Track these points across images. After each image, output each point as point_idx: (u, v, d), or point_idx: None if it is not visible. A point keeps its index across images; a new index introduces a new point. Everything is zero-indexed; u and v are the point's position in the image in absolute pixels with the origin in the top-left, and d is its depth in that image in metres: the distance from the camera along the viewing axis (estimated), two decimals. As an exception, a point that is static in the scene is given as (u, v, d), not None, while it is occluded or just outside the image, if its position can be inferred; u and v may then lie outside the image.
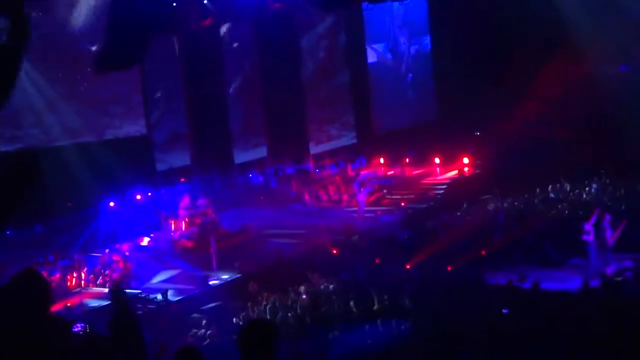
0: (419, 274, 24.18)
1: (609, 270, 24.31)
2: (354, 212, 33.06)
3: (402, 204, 33.57)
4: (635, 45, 38.43)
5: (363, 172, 37.67)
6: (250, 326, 7.69)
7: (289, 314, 21.24)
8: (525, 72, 37.85)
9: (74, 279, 26.41)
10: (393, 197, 34.85)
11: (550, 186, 32.29)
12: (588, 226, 24.97)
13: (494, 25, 38.28)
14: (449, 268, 25.18)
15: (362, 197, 33.43)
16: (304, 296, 22.83)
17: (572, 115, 35.97)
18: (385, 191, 35.37)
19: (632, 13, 37.81)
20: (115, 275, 26.19)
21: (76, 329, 16.30)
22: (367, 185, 34.58)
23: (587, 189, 31.60)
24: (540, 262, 26.07)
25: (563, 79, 37.87)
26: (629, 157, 32.52)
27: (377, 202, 33.84)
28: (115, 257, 27.51)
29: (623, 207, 28.93)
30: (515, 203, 31.58)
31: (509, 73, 37.65)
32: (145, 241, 30.34)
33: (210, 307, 23.73)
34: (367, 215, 32.43)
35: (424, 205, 33.68)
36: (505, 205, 31.49)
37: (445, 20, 41.20)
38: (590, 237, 24.90)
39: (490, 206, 31.61)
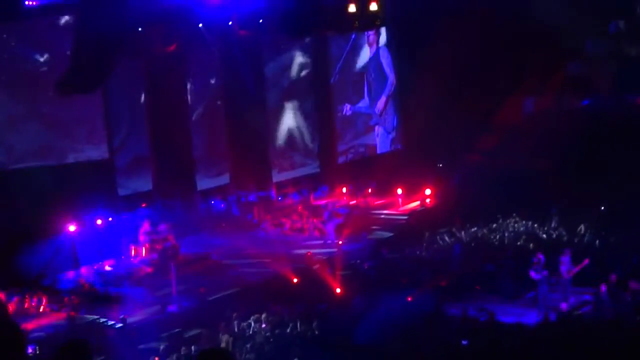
0: (378, 304, 24.18)
1: (568, 304, 24.53)
2: (323, 241, 33.00)
3: (364, 233, 33.56)
4: (595, 79, 38.91)
5: (331, 201, 37.65)
6: (205, 355, 7.62)
7: (248, 345, 21.18)
8: (488, 104, 38.12)
9: (32, 303, 26.12)
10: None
11: (510, 218, 32.49)
12: (540, 259, 25.30)
13: (456, 59, 38.50)
14: (409, 298, 25.22)
15: (331, 227, 33.39)
16: (264, 325, 22.77)
17: (534, 148, 36.23)
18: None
19: (590, 49, 38.29)
20: (75, 300, 25.93)
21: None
22: (338, 217, 34.55)
23: (547, 222, 31.83)
24: (499, 295, 26.19)
25: (524, 112, 38.25)
26: (590, 190, 32.80)
27: (340, 231, 33.80)
28: (75, 282, 27.25)
29: (585, 240, 29.25)
30: (476, 235, 31.73)
31: (472, 105, 37.90)
32: (105, 266, 30.09)
33: (169, 335, 23.59)
34: (336, 244, 32.37)
35: (386, 236, 33.68)
36: (465, 236, 31.64)
37: (408, 53, 41.39)
38: (540, 271, 25.18)
39: (451, 238, 31.74)
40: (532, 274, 25.17)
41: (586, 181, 33.19)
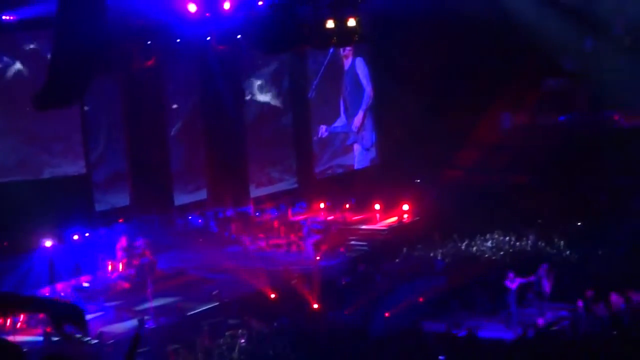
0: (356, 320, 24.20)
1: (544, 319, 24.61)
2: (301, 257, 32.95)
3: (342, 249, 33.56)
4: (572, 96, 39.15)
5: (310, 217, 37.61)
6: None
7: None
8: (466, 120, 38.25)
9: (8, 320, 25.93)
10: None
11: (488, 234, 32.57)
12: (512, 275, 25.44)
13: (434, 75, 38.66)
14: (387, 314, 25.23)
15: (309, 242, 33.35)
16: (242, 340, 22.72)
17: (511, 163, 36.39)
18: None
19: (566, 65, 38.51)
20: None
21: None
22: (316, 232, 34.53)
23: (525, 237, 31.93)
24: (477, 310, 26.23)
25: (502, 127, 38.44)
26: (567, 205, 32.97)
27: (318, 247, 33.75)
28: (52, 298, 27.09)
29: (563, 255, 29.37)
30: (454, 250, 31.79)
31: (450, 121, 38.04)
32: (82, 282, 29.95)
33: (146, 351, 23.48)
34: (314, 260, 32.34)
35: (363, 252, 33.68)
36: (443, 252, 31.68)
37: (385, 67, 41.50)
38: (512, 286, 25.31)
39: (429, 253, 31.77)
40: (509, 282, 25.35)
41: (563, 196, 33.34)
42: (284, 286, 28.61)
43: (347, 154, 43.69)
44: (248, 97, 39.79)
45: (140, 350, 23.17)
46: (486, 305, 26.67)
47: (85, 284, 29.78)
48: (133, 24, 30.30)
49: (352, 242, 34.68)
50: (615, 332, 21.89)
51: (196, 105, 38.16)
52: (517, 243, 31.82)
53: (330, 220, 37.75)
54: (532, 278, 25.73)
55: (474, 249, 31.84)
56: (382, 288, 27.97)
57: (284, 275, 29.65)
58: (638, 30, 32.63)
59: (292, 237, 34.65)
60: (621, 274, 25.89)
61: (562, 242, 31.01)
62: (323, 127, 42.34)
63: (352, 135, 43.47)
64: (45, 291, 27.89)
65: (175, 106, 37.26)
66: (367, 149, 43.75)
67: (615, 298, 24.11)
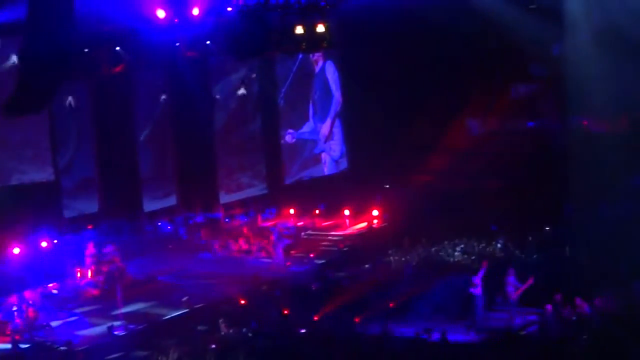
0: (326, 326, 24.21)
1: (513, 324, 24.72)
2: (270, 262, 32.93)
3: (311, 255, 33.59)
4: (541, 102, 39.32)
5: (280, 223, 37.58)
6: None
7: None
8: (435, 125, 38.37)
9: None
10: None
11: (457, 239, 32.67)
12: (476, 279, 25.55)
13: (403, 80, 38.76)
14: (357, 320, 25.27)
15: (279, 248, 33.31)
16: (213, 346, 22.70)
17: (481, 168, 36.53)
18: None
19: (534, 71, 38.71)
20: (20, 324, 25.62)
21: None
22: (286, 238, 34.51)
23: (494, 242, 32.07)
24: (445, 315, 26.30)
25: (472, 132, 38.59)
26: (536, 210, 33.14)
27: (287, 252, 33.73)
28: (20, 305, 26.91)
29: (532, 260, 29.51)
30: (424, 255, 31.86)
31: (419, 126, 38.15)
32: (51, 289, 29.77)
33: (116, 357, 23.41)
34: (284, 265, 32.33)
35: (333, 257, 33.70)
36: (413, 257, 31.75)
37: (355, 73, 41.57)
38: (477, 290, 25.43)
39: (399, 258, 31.82)
40: (473, 286, 25.48)
41: (532, 201, 33.52)
42: (254, 292, 28.60)
43: (317, 164, 43.72)
44: (217, 103, 39.76)
45: (112, 357, 23.20)
46: (454, 310, 26.74)
47: (54, 291, 29.61)
48: (101, 30, 30.19)
49: (322, 248, 34.69)
50: (585, 337, 22.02)
51: (165, 111, 38.09)
52: (487, 248, 31.95)
53: (300, 225, 37.78)
54: (508, 281, 25.81)
55: (443, 253, 31.93)
56: (352, 293, 27.99)
57: (254, 281, 29.63)
58: (606, 35, 32.83)
59: (262, 243, 34.62)
60: (589, 279, 26.04)
61: (531, 247, 31.18)
62: (291, 132, 42.36)
63: (320, 144, 43.53)
64: (13, 299, 27.69)
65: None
66: (337, 161, 43.80)
67: (579, 302, 24.26)
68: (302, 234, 36.41)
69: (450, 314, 26.55)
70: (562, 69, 34.73)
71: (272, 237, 34.17)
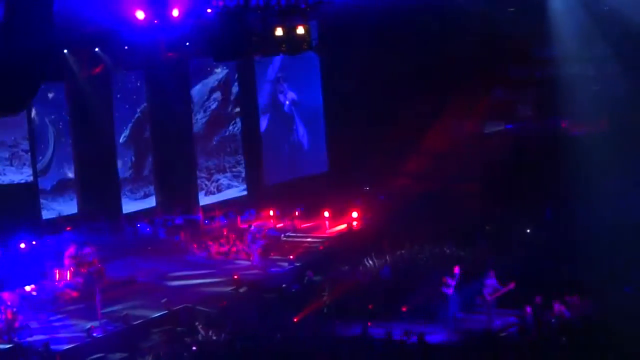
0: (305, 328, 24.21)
1: (492, 326, 24.76)
2: (249, 264, 32.91)
3: (291, 257, 33.57)
4: (520, 105, 39.51)
5: (255, 224, 37.51)
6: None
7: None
8: (416, 128, 38.47)
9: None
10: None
11: (437, 241, 32.68)
12: (450, 280, 25.59)
13: (384, 81, 38.84)
14: (336, 322, 25.27)
15: (258, 250, 33.28)
16: (193, 348, 22.68)
17: (461, 171, 36.64)
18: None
19: (513, 73, 38.88)
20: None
21: None
22: (261, 239, 34.47)
23: (473, 244, 32.11)
24: (426, 317, 26.30)
25: (451, 135, 38.68)
26: (516, 213, 33.25)
27: (266, 254, 33.70)
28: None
29: (511, 262, 29.54)
30: (403, 257, 31.86)
31: (400, 129, 38.22)
32: (29, 290, 29.64)
33: (94, 359, 23.35)
34: (262, 267, 32.32)
35: (313, 259, 33.68)
36: (392, 259, 31.75)
37: (335, 74, 41.64)
38: (449, 291, 25.48)
39: (378, 261, 31.82)
40: (446, 286, 25.55)
41: (512, 203, 33.62)
42: (233, 294, 28.59)
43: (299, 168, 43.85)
44: (197, 105, 39.75)
45: (90, 358, 23.14)
46: (432, 311, 26.75)
47: (33, 293, 29.50)
48: (81, 31, 30.14)
49: (302, 249, 34.69)
50: (564, 339, 22.08)
51: (144, 113, 38.04)
52: (467, 250, 31.99)
53: (279, 227, 37.75)
54: (487, 283, 25.84)
55: (422, 255, 31.94)
56: (331, 295, 27.99)
57: (233, 282, 29.62)
58: (585, 38, 33.00)
59: (241, 244, 34.58)
60: (568, 281, 26.11)
61: (510, 249, 31.22)
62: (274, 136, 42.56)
63: (303, 148, 43.71)
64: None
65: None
66: (317, 164, 43.86)
67: (558, 305, 24.32)
68: (282, 235, 36.34)
69: (429, 315, 26.54)
70: (542, 71, 34.89)
71: (251, 239, 34.15)
